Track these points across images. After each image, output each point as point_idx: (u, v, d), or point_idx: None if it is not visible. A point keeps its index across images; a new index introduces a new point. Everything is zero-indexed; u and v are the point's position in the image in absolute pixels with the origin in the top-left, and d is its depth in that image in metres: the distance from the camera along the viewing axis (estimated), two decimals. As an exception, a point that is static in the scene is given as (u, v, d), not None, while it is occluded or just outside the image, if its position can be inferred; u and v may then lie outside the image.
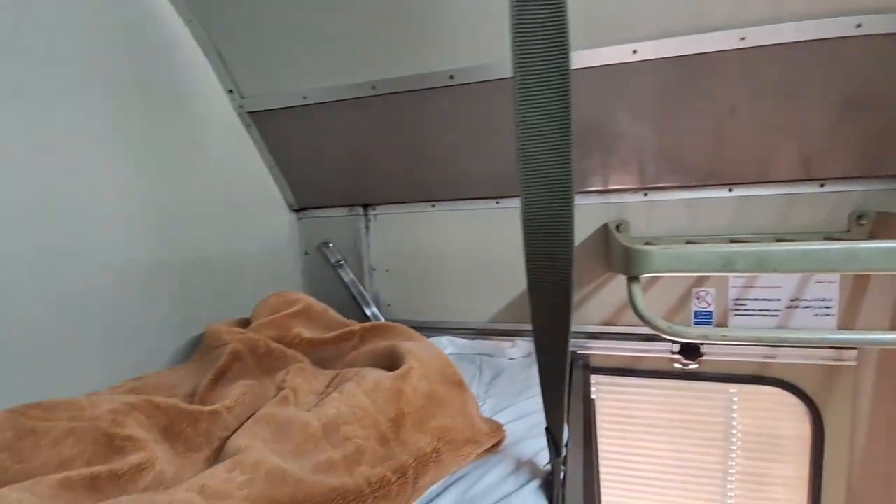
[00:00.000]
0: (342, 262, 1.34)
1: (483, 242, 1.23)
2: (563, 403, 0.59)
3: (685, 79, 0.90)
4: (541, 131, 0.39)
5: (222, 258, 1.10)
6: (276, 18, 0.99)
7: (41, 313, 0.72)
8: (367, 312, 1.31)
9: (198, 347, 0.94)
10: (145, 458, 0.56)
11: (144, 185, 0.91)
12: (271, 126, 1.17)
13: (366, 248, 1.32)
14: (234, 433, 0.63)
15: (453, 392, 0.70)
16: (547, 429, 0.64)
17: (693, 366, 1.13)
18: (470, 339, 1.22)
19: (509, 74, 0.38)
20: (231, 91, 1.12)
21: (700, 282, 1.09)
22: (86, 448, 0.57)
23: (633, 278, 0.72)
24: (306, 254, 1.38)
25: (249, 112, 1.15)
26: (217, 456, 0.62)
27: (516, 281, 1.22)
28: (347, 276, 1.33)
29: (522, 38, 0.36)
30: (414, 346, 0.77)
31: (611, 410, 1.28)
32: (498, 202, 1.20)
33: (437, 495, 0.62)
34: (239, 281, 1.14)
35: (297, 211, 1.36)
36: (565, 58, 0.36)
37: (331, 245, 1.34)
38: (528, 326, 0.49)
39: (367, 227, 1.32)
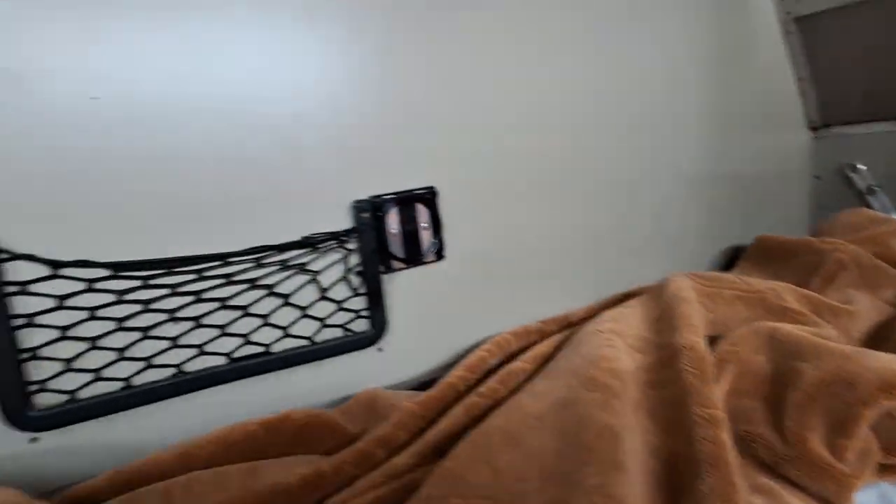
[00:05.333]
0: (875, 188, 1.13)
1: None
2: None
3: None
4: None
5: (740, 176, 1.10)
6: None
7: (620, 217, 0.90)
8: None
9: (745, 255, 1.00)
10: (826, 331, 0.61)
11: (694, 97, 0.98)
12: (817, 31, 1.05)
13: (915, 173, 1.07)
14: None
15: None
16: None
17: None
18: None
19: None
20: (783, -5, 1.05)
21: None
22: (756, 312, 0.68)
23: None
24: (817, 178, 1.24)
25: (796, 18, 1.06)
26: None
27: None
28: (881, 205, 1.12)
29: None
30: None
31: None
32: None
33: None
34: (755, 201, 1.14)
35: (815, 129, 1.22)
36: None
37: (860, 168, 1.15)
38: None
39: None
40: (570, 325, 0.79)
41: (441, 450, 0.47)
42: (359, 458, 0.46)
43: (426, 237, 0.71)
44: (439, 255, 0.72)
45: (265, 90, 0.59)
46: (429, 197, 0.69)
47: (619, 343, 0.57)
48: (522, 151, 0.78)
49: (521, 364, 0.58)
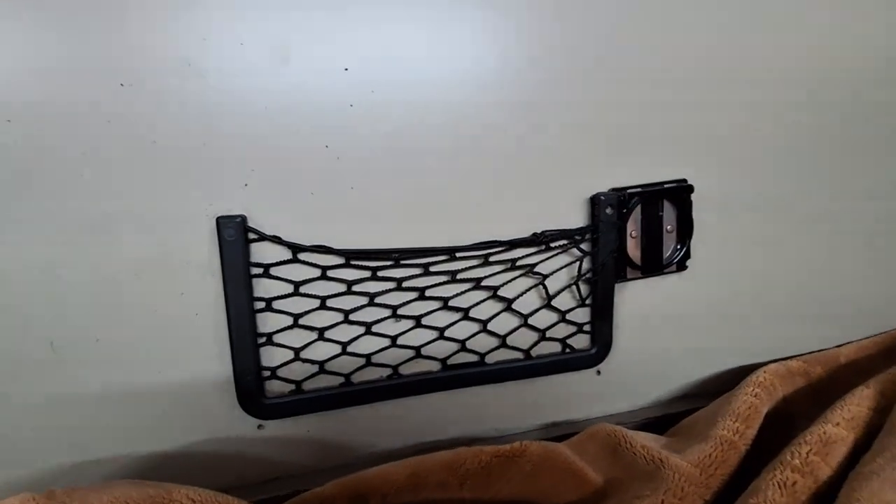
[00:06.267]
0: None
1: None
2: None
3: None
4: None
5: None
6: None
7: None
8: None
9: None
10: None
11: None
12: None
13: None
14: None
15: None
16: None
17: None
18: None
19: None
20: None
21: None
22: None
23: None
24: None
25: None
26: None
27: None
28: None
29: None
30: None
31: None
32: None
33: None
34: None
35: None
36: None
37: None
38: None
39: None
40: (839, 367, 0.62)
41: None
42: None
43: (669, 242, 0.58)
44: (681, 265, 0.58)
45: (504, 67, 0.50)
46: (681, 193, 0.56)
47: None
48: (796, 161, 0.60)
49: (836, 429, 0.42)
